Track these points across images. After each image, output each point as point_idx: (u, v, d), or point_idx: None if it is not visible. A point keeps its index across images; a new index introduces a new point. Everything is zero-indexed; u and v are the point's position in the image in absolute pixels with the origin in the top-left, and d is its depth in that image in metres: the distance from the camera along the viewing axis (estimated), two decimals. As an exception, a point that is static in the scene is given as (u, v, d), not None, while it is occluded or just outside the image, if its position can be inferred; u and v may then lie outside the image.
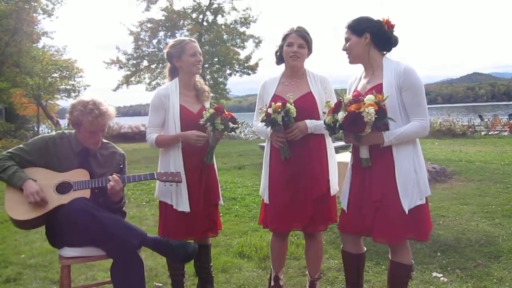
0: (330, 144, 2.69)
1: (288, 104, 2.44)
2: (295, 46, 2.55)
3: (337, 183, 2.70)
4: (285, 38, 2.60)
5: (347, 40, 2.37)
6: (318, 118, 2.58)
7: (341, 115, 2.15)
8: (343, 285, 2.99)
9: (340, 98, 2.24)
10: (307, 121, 2.53)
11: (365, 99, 2.14)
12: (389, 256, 2.44)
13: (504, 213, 4.74)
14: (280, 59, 2.69)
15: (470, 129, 16.92)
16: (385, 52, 2.38)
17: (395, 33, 2.34)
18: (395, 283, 2.43)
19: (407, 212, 2.21)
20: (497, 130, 17.31)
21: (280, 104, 2.43)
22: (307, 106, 2.55)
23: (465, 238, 3.96)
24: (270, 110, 2.44)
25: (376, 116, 2.08)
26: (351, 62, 2.42)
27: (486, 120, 20.14)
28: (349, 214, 2.40)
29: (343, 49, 2.40)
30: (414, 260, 3.44)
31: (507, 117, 20.66)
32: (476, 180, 6.79)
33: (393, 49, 2.39)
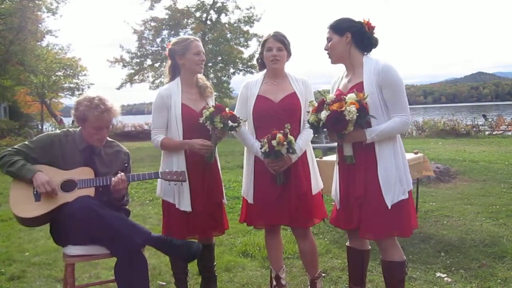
0: (310, 146, 2.77)
1: (289, 136, 2.45)
2: (274, 50, 2.62)
3: (320, 181, 2.79)
4: (264, 44, 2.69)
5: (328, 39, 2.42)
6: (301, 118, 2.67)
7: (324, 114, 2.21)
8: (346, 285, 2.98)
9: (323, 97, 2.26)
10: (292, 156, 2.55)
11: (346, 98, 2.18)
12: (381, 256, 2.45)
13: (508, 213, 4.72)
14: (262, 65, 2.77)
15: (474, 129, 16.84)
16: (366, 53, 2.40)
17: (375, 35, 2.38)
18: (392, 282, 2.43)
19: (389, 207, 2.25)
20: (501, 130, 17.21)
21: (282, 136, 2.43)
22: (291, 106, 2.61)
23: (469, 238, 3.95)
24: (274, 143, 2.42)
25: (357, 114, 2.14)
26: (333, 61, 2.46)
27: (490, 119, 20.01)
28: (340, 210, 2.48)
29: (325, 49, 2.44)
30: (417, 260, 3.45)
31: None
32: (480, 180, 6.77)
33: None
